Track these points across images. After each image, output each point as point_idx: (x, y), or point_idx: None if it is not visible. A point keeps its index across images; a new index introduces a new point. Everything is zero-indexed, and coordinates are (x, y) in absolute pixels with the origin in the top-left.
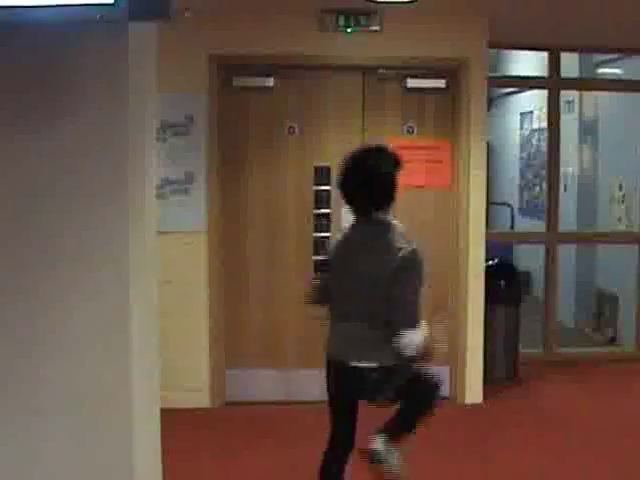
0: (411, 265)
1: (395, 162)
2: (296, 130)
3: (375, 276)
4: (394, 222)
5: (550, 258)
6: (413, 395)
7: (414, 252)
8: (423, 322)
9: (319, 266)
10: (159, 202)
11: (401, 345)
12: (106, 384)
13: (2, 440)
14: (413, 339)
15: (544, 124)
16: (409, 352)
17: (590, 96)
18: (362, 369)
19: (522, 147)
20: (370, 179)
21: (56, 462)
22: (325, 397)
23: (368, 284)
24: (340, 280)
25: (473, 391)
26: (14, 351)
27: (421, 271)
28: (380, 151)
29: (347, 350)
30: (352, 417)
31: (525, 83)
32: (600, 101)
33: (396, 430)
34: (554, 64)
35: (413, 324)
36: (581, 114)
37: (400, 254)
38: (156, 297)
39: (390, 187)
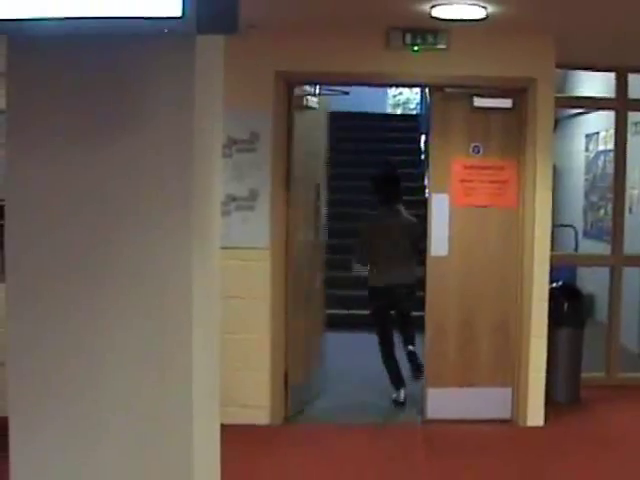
0: None
1: None
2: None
3: None
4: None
5: (615, 281)
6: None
7: None
8: None
9: None
10: (223, 218)
11: None
12: (167, 399)
13: (62, 452)
14: None
15: (610, 146)
16: None
17: None
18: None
19: (587, 169)
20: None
21: (115, 478)
22: None
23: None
24: None
25: (534, 413)
26: (78, 364)
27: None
28: None
29: None
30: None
31: (592, 104)
32: None
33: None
34: (622, 85)
35: None
36: None
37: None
38: (219, 313)
39: None
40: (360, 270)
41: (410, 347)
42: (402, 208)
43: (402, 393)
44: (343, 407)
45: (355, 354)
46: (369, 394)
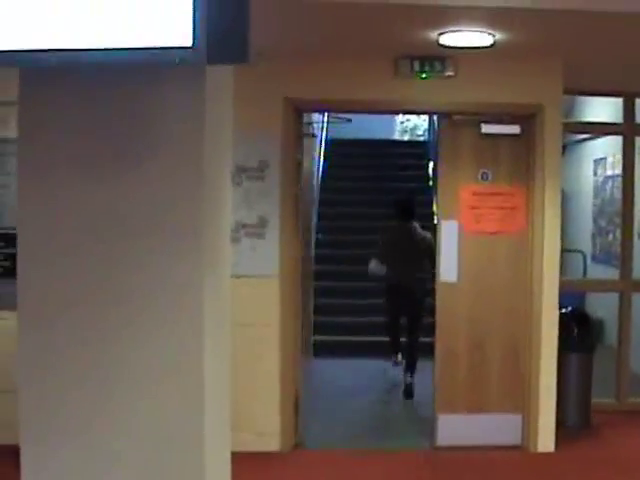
0: None
1: None
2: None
3: None
4: None
5: (624, 306)
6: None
7: None
8: None
9: None
10: (233, 245)
11: None
12: (178, 426)
13: (74, 472)
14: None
15: (618, 171)
16: None
17: None
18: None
19: (595, 194)
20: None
21: None
22: None
23: None
24: None
25: (545, 439)
26: (88, 391)
27: None
28: None
29: None
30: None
31: (600, 129)
32: None
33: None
34: (629, 110)
35: None
36: None
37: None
38: (229, 340)
39: None
40: (375, 270)
41: (409, 379)
42: (417, 225)
43: (398, 356)
44: (353, 433)
45: (354, 379)
46: (377, 419)
